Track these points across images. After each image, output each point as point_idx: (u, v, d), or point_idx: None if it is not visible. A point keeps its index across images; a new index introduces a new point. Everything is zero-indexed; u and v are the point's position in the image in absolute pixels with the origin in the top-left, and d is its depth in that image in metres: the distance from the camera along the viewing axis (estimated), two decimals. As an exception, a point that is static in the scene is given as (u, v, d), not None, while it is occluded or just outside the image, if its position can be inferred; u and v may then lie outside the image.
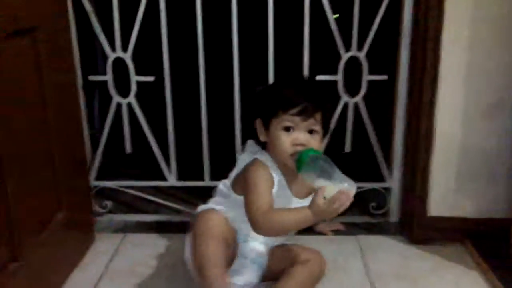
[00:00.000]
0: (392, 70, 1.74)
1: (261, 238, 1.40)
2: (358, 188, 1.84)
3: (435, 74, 1.55)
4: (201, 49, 1.75)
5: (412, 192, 1.69)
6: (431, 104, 1.58)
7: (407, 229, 1.73)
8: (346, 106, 1.78)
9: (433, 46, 1.54)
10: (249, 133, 1.47)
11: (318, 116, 1.33)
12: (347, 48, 1.73)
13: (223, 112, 1.91)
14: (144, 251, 1.64)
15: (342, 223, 1.80)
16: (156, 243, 1.70)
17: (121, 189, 1.90)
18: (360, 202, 1.97)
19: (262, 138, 1.40)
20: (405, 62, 1.68)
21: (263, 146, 1.41)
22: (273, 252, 1.44)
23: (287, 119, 1.31)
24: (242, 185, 1.36)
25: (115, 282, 1.50)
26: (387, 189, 1.84)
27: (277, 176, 1.35)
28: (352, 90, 1.77)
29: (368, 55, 1.73)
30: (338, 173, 1.22)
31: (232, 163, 1.50)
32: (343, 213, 1.87)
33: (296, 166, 1.29)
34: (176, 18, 1.87)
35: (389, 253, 1.64)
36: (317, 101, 1.33)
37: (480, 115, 1.58)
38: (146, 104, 1.85)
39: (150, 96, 1.90)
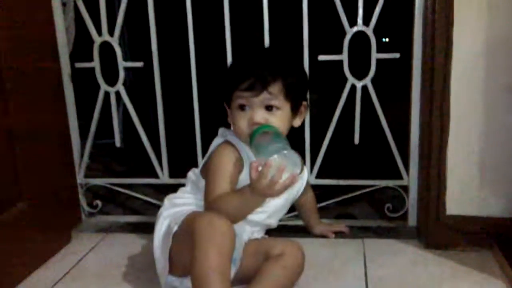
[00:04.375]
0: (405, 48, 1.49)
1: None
2: (369, 186, 1.61)
3: (448, 37, 1.30)
4: (191, 39, 1.59)
5: (427, 186, 1.41)
6: (445, 73, 1.32)
7: (423, 231, 1.45)
8: (353, 89, 1.54)
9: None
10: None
11: (275, 88, 1.15)
12: (352, 23, 1.50)
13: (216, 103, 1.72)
14: (119, 252, 1.49)
15: (350, 227, 1.55)
16: (135, 243, 1.53)
17: (111, 186, 1.75)
18: (374, 203, 1.72)
19: (229, 119, 1.27)
20: (419, 35, 1.43)
21: None
22: (246, 248, 1.23)
23: (239, 97, 1.17)
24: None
25: (76, 281, 1.34)
26: (405, 188, 1.57)
27: (247, 157, 1.21)
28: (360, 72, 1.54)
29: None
30: (282, 149, 1.06)
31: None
32: (353, 217, 1.66)
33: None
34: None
35: (397, 258, 1.36)
36: (269, 72, 1.15)
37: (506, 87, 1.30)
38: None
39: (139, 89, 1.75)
